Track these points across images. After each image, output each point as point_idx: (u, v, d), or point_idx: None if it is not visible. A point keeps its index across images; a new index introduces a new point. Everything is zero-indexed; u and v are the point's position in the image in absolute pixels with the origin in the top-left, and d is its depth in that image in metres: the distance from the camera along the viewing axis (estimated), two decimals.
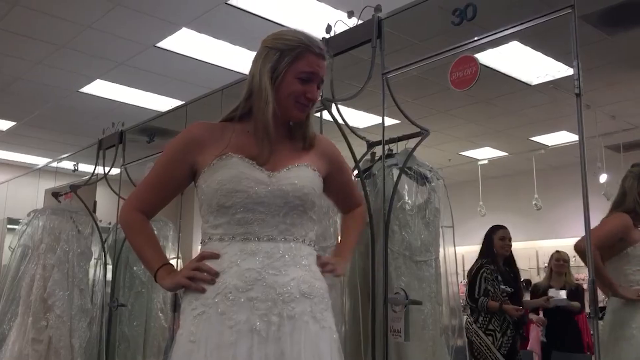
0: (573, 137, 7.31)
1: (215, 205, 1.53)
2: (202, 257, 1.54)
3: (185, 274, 1.52)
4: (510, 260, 4.63)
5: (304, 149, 1.64)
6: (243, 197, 1.50)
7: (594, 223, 3.02)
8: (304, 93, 1.58)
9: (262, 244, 1.50)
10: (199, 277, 1.50)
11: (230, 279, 1.47)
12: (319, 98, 1.66)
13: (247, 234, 1.50)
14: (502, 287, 4.32)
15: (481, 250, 4.61)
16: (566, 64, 5.15)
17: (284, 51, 1.57)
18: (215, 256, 1.51)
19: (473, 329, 4.28)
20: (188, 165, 1.59)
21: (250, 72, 1.63)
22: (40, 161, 8.74)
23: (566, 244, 8.61)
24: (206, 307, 1.47)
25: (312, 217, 1.59)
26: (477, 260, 4.57)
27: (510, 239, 4.60)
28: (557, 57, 5.37)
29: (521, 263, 9.54)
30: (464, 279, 9.97)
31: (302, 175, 1.57)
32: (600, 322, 2.87)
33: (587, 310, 5.31)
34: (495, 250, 4.50)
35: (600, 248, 2.71)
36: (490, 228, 4.70)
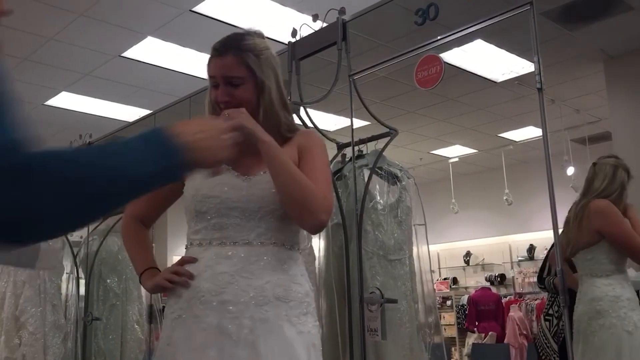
0: (539, 132, 7.44)
1: (193, 211, 1.55)
2: (182, 261, 1.56)
3: (164, 276, 1.54)
4: None
5: (282, 146, 1.58)
6: (216, 203, 1.51)
7: (562, 215, 3.08)
8: (215, 98, 1.56)
9: (239, 248, 1.50)
10: (176, 280, 1.51)
11: (204, 282, 1.47)
12: (250, 97, 1.56)
13: (223, 239, 1.50)
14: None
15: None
16: (529, 60, 5.25)
17: None
18: (193, 260, 1.52)
19: (542, 314, 4.03)
20: None
21: None
22: None
23: (538, 237, 8.80)
24: (182, 311, 1.48)
25: (288, 219, 1.56)
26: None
27: None
28: (521, 54, 5.47)
29: (494, 258, 9.73)
30: (439, 276, 10.12)
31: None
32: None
33: None
34: None
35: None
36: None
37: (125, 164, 0.83)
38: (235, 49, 1.56)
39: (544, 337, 3.95)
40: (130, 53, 5.26)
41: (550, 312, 3.97)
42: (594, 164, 3.08)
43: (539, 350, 3.96)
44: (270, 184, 1.50)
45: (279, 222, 1.53)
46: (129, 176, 0.83)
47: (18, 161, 0.70)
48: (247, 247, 1.50)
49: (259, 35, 1.64)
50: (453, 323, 9.08)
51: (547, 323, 3.93)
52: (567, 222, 3.02)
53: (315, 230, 1.64)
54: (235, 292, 1.45)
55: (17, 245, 0.74)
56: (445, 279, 10.09)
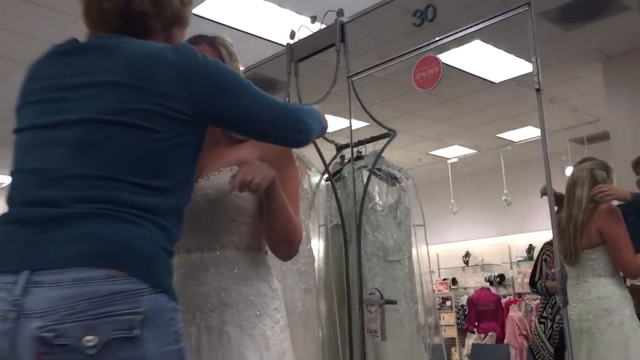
0: (538, 132, 7.44)
1: None
2: None
3: None
4: None
5: (238, 142, 1.56)
6: None
7: None
8: None
9: (189, 256, 1.48)
10: None
11: None
12: None
13: (178, 248, 1.44)
14: (554, 270, 4.04)
15: None
16: (527, 61, 5.27)
17: None
18: None
19: (536, 317, 4.03)
20: None
21: None
22: (4, 179, 8.58)
23: (537, 237, 8.79)
24: None
25: (244, 221, 1.50)
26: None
27: None
28: (519, 54, 5.48)
29: (494, 258, 9.73)
30: (439, 277, 10.12)
31: (225, 180, 1.44)
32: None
33: None
34: None
35: None
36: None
37: (318, 116, 1.49)
38: (209, 40, 1.62)
39: (539, 340, 3.96)
40: None
41: (544, 314, 3.99)
42: (572, 174, 3.16)
43: (535, 353, 3.98)
44: (218, 186, 1.46)
45: (230, 225, 1.49)
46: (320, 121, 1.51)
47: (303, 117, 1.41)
48: (196, 253, 1.48)
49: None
50: (453, 323, 9.08)
51: (542, 326, 3.96)
52: (562, 232, 3.03)
53: (287, 259, 1.62)
54: (184, 301, 1.40)
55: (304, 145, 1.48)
56: (444, 279, 10.09)
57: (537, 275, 4.03)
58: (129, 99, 1.18)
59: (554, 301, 3.96)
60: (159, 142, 1.19)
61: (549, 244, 4.11)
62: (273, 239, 1.50)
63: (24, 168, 1.21)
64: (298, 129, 1.39)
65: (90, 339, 1.01)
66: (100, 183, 1.14)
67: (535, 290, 4.05)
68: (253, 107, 1.31)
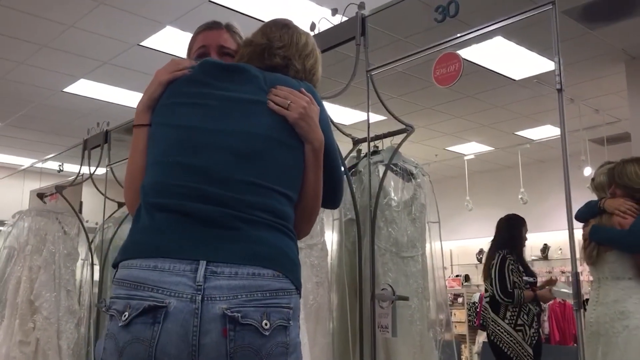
0: (557, 131, 7.38)
1: None
2: None
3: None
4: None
5: None
6: None
7: None
8: None
9: None
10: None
11: None
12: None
13: None
14: (525, 278, 4.19)
15: (498, 240, 4.38)
16: (549, 59, 5.22)
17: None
18: None
19: (502, 326, 4.12)
20: None
21: None
22: (25, 162, 8.68)
23: (552, 237, 8.73)
24: None
25: None
26: (493, 251, 4.33)
27: None
28: (541, 52, 5.42)
29: None
30: (452, 273, 10.08)
31: None
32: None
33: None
34: (519, 242, 4.35)
35: None
36: (516, 218, 4.44)
37: None
38: (227, 27, 1.73)
39: (518, 346, 4.08)
40: (148, 42, 5.29)
41: (520, 322, 4.14)
42: (593, 179, 3.18)
43: (513, 357, 4.07)
44: None
45: None
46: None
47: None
48: None
49: None
50: (464, 320, 9.05)
51: (520, 334, 4.05)
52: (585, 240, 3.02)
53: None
54: None
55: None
56: (457, 276, 10.05)
57: (509, 285, 4.08)
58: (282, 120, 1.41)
59: (527, 309, 4.14)
60: (298, 160, 1.43)
61: (509, 254, 4.23)
62: (302, 215, 1.49)
63: (182, 162, 1.36)
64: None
65: (266, 323, 1.23)
66: (260, 190, 1.35)
67: (510, 300, 4.10)
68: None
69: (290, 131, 1.42)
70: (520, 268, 4.21)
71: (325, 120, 1.53)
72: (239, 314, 1.20)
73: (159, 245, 1.28)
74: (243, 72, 1.49)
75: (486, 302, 4.31)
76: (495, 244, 4.36)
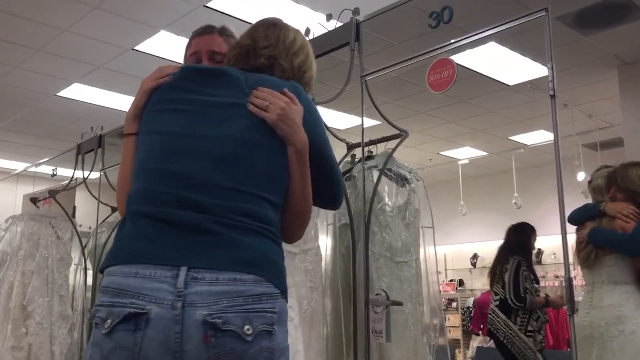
0: (551, 136, 7.38)
1: None
2: None
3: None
4: None
5: None
6: None
7: None
8: None
9: None
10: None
11: None
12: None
13: None
14: (535, 285, 4.24)
15: (511, 246, 4.42)
16: (543, 64, 5.24)
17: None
18: None
19: (513, 330, 4.14)
20: None
21: None
22: (18, 166, 8.64)
23: (546, 241, 8.73)
24: None
25: None
26: (505, 256, 4.37)
27: None
28: (534, 58, 5.44)
29: None
30: (445, 278, 10.09)
31: None
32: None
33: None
34: (529, 249, 4.41)
35: None
36: (527, 227, 4.52)
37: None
38: (220, 30, 1.75)
39: (529, 351, 4.09)
40: (143, 46, 5.28)
41: (530, 328, 4.13)
42: (589, 182, 3.15)
43: None
44: None
45: None
46: None
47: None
48: None
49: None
50: (458, 325, 9.06)
51: (531, 339, 4.05)
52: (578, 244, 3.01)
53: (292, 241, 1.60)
54: None
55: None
56: (451, 280, 10.06)
57: (522, 290, 4.08)
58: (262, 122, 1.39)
59: (537, 315, 4.18)
60: (281, 163, 1.40)
61: (524, 261, 4.27)
62: (292, 220, 1.47)
63: (163, 169, 1.36)
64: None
65: (248, 328, 1.22)
66: (240, 195, 1.33)
67: (522, 305, 4.13)
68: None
69: (271, 133, 1.40)
70: (531, 276, 4.25)
71: (313, 119, 1.51)
72: (220, 320, 1.20)
73: (141, 251, 1.29)
74: (224, 75, 1.48)
75: (495, 305, 4.32)
76: (506, 250, 4.41)
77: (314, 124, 1.50)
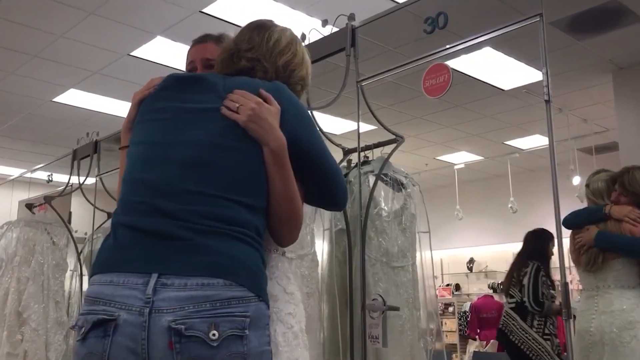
0: (546, 141, 7.40)
1: None
2: None
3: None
4: None
5: None
6: None
7: None
8: None
9: None
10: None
11: None
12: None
13: None
14: (551, 291, 4.25)
15: (530, 252, 4.38)
16: (538, 69, 5.26)
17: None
18: None
19: (530, 333, 4.15)
20: None
21: None
22: (13, 172, 8.61)
23: None
24: None
25: None
26: (525, 260, 4.35)
27: None
28: (529, 62, 5.46)
29: (498, 265, 9.70)
30: (442, 282, 10.09)
31: None
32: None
33: None
34: (547, 256, 4.37)
35: None
36: (546, 233, 4.45)
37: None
38: (215, 38, 1.79)
39: (547, 355, 4.06)
40: (139, 52, 5.28)
41: (547, 331, 4.16)
42: (587, 185, 3.13)
43: None
44: None
45: None
46: None
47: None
48: None
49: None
50: (454, 330, 9.06)
51: (549, 342, 4.05)
52: (578, 249, 3.00)
53: (286, 245, 1.57)
54: None
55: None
56: (447, 285, 10.06)
57: (540, 295, 4.15)
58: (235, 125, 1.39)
59: (552, 320, 4.20)
60: (256, 164, 1.39)
61: (544, 267, 4.26)
62: (278, 221, 1.44)
63: (140, 178, 1.39)
64: None
65: (214, 333, 1.21)
66: (210, 199, 1.33)
67: (539, 309, 4.15)
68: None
69: (245, 135, 1.39)
70: (548, 282, 4.26)
71: (296, 114, 1.47)
72: (183, 326, 1.20)
73: (116, 260, 1.31)
74: (202, 81, 1.49)
75: (510, 308, 4.32)
76: (525, 255, 4.39)
77: (297, 119, 1.47)
